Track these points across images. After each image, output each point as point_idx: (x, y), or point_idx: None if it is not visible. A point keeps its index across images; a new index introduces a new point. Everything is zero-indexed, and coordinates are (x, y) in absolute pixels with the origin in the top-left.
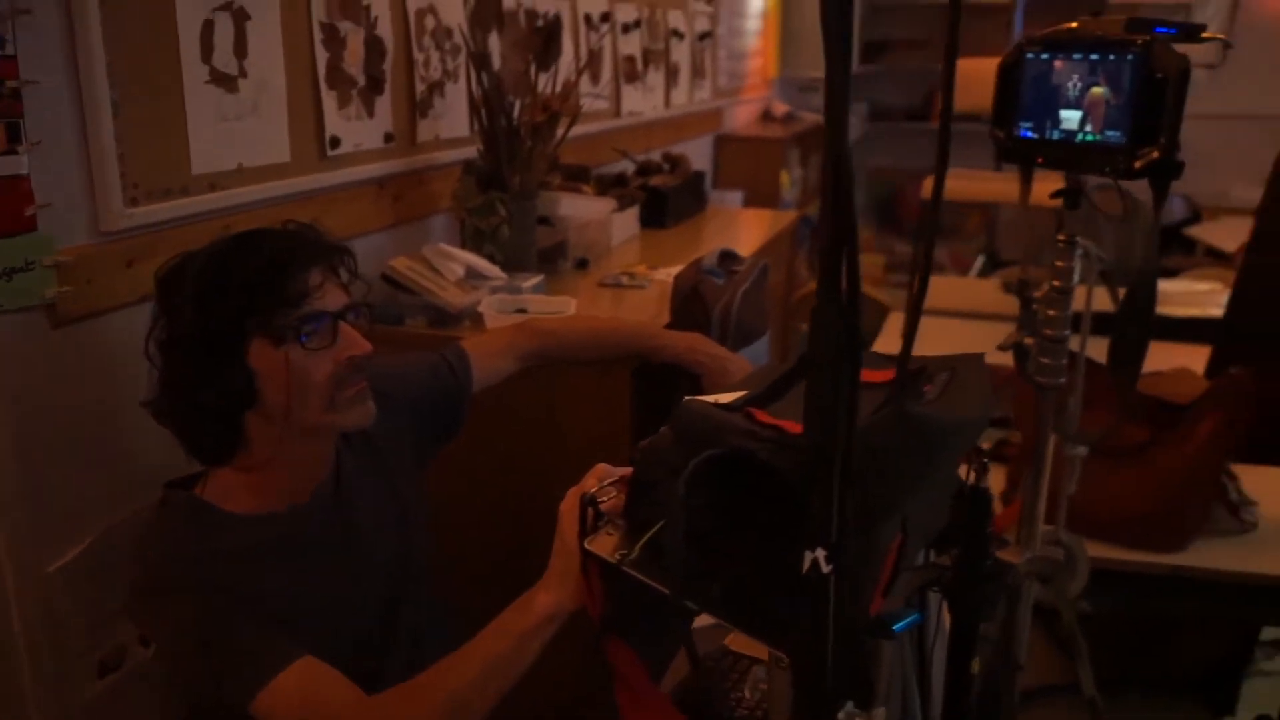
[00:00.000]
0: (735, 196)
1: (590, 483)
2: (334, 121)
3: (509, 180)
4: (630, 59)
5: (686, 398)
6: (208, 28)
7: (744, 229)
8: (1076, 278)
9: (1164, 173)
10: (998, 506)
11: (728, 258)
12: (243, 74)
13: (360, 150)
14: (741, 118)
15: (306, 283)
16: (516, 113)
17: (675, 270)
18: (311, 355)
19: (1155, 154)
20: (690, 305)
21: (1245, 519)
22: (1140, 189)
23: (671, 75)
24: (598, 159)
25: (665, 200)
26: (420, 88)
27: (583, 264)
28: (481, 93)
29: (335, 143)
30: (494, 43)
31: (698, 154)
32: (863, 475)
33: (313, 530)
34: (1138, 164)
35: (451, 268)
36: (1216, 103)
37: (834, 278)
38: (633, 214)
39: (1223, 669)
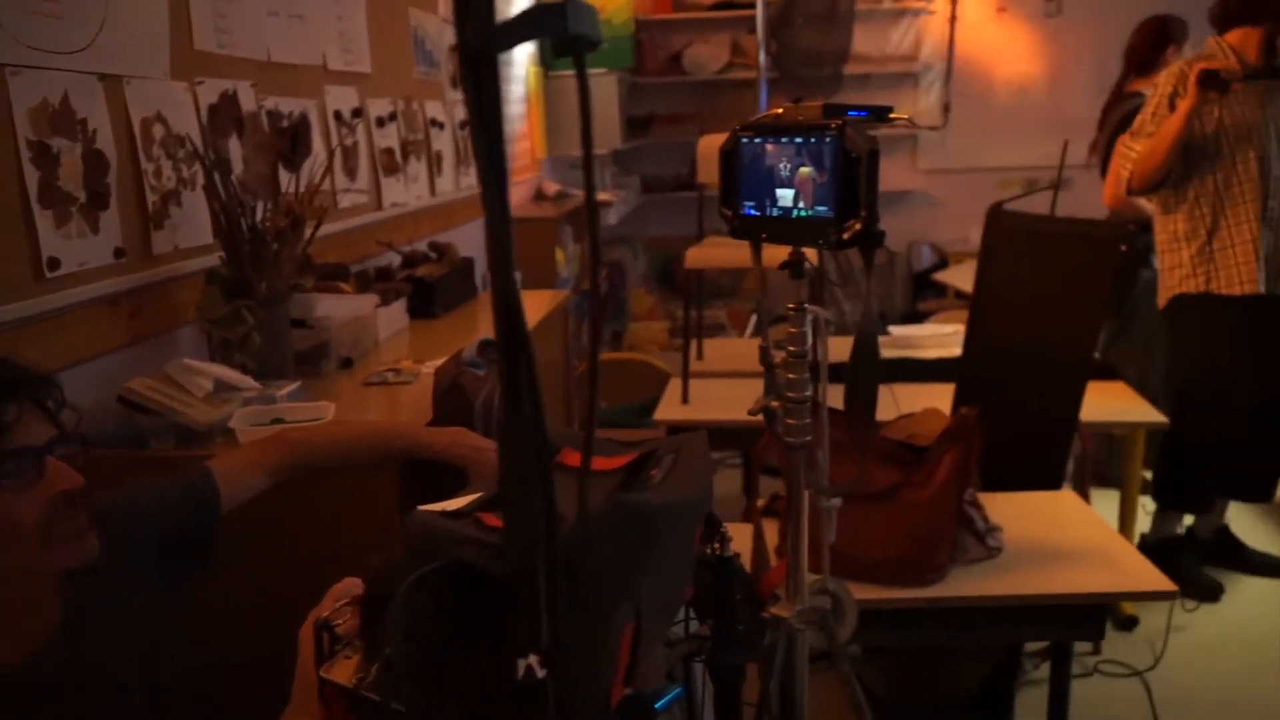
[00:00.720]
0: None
1: (326, 605)
2: (51, 242)
3: (255, 286)
4: (389, 151)
5: (418, 508)
6: None
7: None
8: (809, 341)
9: (868, 241)
10: (773, 559)
11: (488, 347)
12: None
13: (86, 269)
14: (514, 199)
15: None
16: (260, 217)
17: (443, 362)
18: (15, 495)
19: (858, 226)
20: (451, 399)
21: (992, 544)
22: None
23: (435, 164)
24: (363, 253)
25: (432, 290)
26: (152, 199)
27: (347, 364)
28: (220, 200)
29: (54, 264)
30: (236, 147)
31: (471, 239)
32: (582, 571)
33: (44, 683)
34: (845, 235)
35: (198, 383)
36: (947, 159)
37: (516, 390)
38: (399, 307)
39: (995, 684)
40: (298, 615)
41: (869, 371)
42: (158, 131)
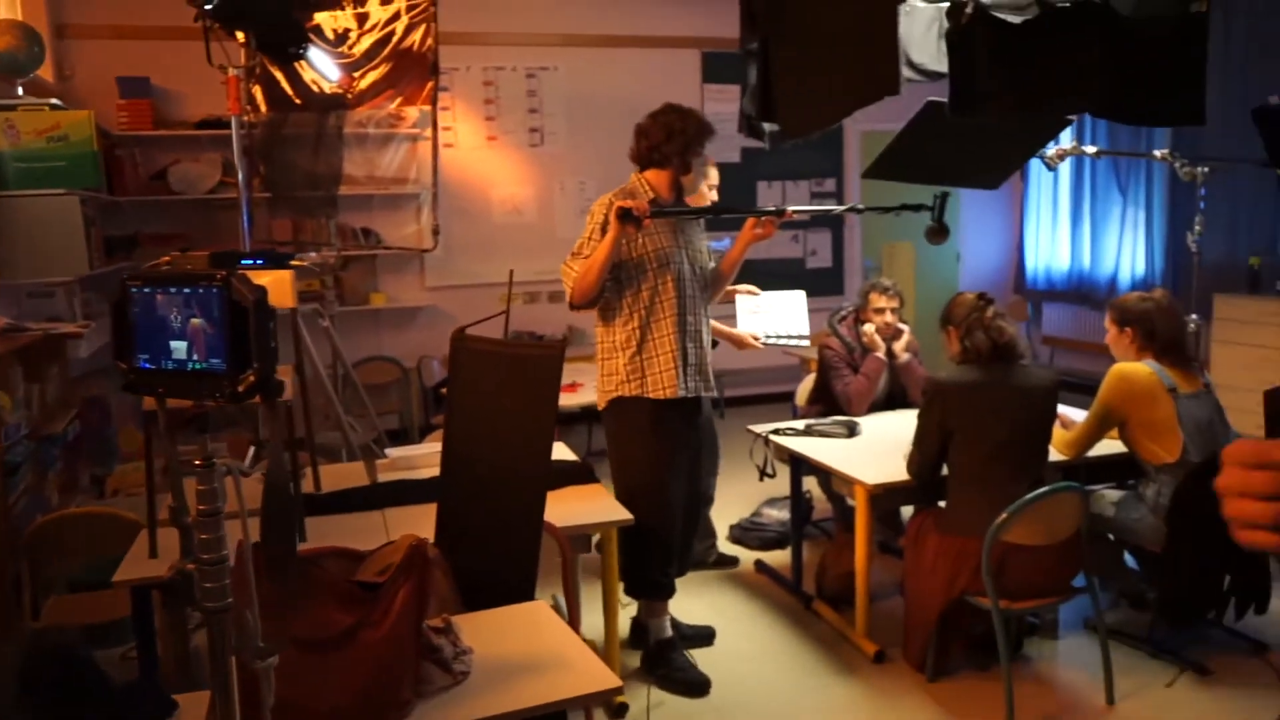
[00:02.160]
0: None
1: None
2: None
3: None
4: None
5: None
6: None
7: None
8: (221, 501)
9: (267, 391)
10: None
11: None
12: None
13: None
14: None
15: None
16: None
17: None
18: None
19: (252, 377)
20: None
21: (459, 670)
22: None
23: None
24: None
25: None
26: None
27: None
28: None
29: None
30: None
31: None
32: None
33: None
34: (241, 387)
35: None
36: (453, 276)
37: None
38: None
39: None
40: None
41: (284, 519)
42: None
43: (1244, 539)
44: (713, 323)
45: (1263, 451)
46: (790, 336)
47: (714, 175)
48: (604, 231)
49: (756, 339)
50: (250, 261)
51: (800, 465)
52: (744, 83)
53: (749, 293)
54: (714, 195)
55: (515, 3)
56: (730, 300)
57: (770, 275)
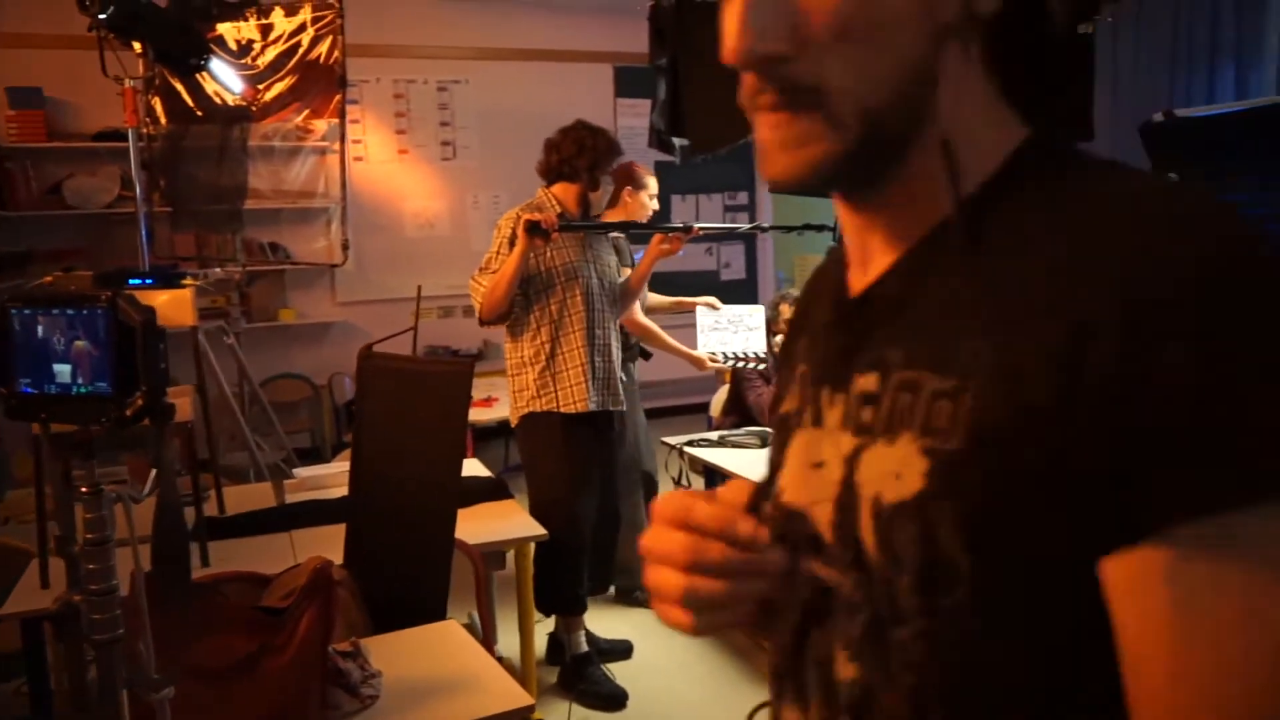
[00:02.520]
0: None
1: None
2: None
3: None
4: None
5: None
6: None
7: None
8: (110, 529)
9: (157, 415)
10: None
11: None
12: None
13: None
14: None
15: None
16: None
17: None
18: None
19: (140, 401)
20: None
21: (367, 694)
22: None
23: None
24: None
25: None
26: None
27: None
28: None
29: None
30: None
31: None
32: None
33: None
34: (128, 411)
35: None
36: (366, 291)
37: None
38: None
39: None
40: None
41: (176, 545)
42: None
43: (659, 614)
44: (672, 342)
45: (684, 509)
46: (749, 360)
47: (653, 185)
48: (512, 245)
49: (714, 359)
50: (139, 281)
51: (715, 476)
52: (654, 97)
53: (709, 305)
54: (655, 204)
55: (425, 15)
56: (689, 311)
57: (685, 287)
